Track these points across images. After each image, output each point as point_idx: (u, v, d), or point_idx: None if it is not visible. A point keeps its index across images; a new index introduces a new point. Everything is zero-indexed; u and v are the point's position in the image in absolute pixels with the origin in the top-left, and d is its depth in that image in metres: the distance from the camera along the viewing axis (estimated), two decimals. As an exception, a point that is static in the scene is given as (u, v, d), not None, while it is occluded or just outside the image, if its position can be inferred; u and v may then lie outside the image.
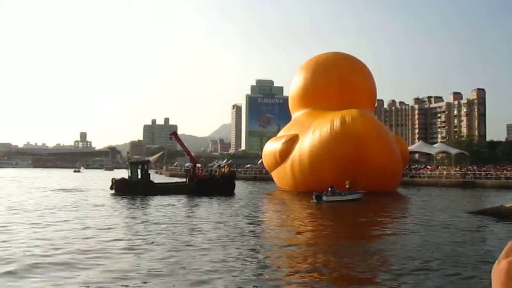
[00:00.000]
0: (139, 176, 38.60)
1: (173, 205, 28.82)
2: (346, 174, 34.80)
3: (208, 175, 43.14)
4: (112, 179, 39.17)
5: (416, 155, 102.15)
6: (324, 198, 29.58)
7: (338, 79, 43.91)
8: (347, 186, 32.98)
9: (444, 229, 18.79)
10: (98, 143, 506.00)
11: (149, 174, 39.17)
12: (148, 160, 48.42)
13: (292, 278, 10.69)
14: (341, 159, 36.26)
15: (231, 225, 19.31)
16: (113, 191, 37.57)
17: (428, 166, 69.29)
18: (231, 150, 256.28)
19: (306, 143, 40.16)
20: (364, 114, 38.20)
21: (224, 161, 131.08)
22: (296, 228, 19.16)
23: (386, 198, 34.28)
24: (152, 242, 14.67)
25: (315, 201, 29.39)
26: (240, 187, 48.35)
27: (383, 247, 14.39)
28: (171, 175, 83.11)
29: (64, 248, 13.34)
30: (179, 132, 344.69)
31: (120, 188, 37.21)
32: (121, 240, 15.23)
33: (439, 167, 67.09)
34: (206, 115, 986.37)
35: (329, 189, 30.63)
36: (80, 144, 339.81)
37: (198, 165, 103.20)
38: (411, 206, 30.53)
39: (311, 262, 12.18)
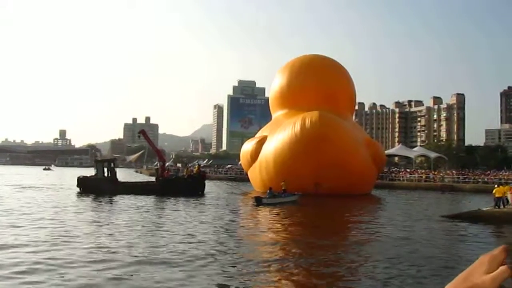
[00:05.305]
0: (105, 175, 37.09)
1: (131, 207, 26.59)
2: (308, 176, 34.20)
3: (173, 175, 41.72)
4: (78, 177, 37.64)
5: (396, 158, 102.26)
6: (264, 200, 29.03)
7: (315, 81, 43.10)
8: (282, 188, 32.27)
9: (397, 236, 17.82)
10: (78, 141, 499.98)
11: (115, 173, 37.59)
12: (115, 158, 47.04)
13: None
14: (302, 161, 35.43)
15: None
16: (79, 190, 36.21)
17: (408, 170, 68.94)
18: (212, 150, 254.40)
19: (271, 145, 39.31)
20: (324, 116, 36.65)
21: (205, 161, 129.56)
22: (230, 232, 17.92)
23: (343, 201, 32.16)
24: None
25: (255, 204, 28.59)
26: (217, 187, 47.00)
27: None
28: (151, 175, 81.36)
29: None
30: (160, 131, 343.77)
31: (84, 187, 35.88)
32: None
33: (419, 170, 66.85)
34: (187, 115, 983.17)
35: (268, 191, 30.50)
36: (60, 142, 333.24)
37: (178, 165, 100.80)
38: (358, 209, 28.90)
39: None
